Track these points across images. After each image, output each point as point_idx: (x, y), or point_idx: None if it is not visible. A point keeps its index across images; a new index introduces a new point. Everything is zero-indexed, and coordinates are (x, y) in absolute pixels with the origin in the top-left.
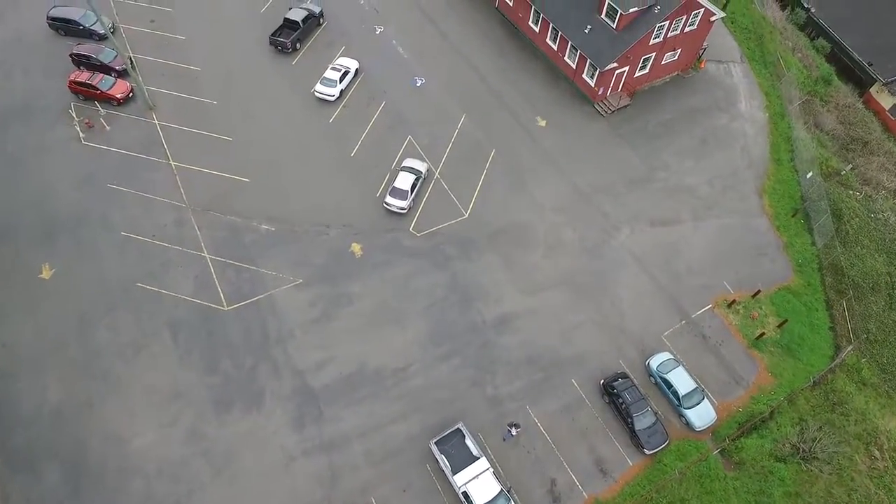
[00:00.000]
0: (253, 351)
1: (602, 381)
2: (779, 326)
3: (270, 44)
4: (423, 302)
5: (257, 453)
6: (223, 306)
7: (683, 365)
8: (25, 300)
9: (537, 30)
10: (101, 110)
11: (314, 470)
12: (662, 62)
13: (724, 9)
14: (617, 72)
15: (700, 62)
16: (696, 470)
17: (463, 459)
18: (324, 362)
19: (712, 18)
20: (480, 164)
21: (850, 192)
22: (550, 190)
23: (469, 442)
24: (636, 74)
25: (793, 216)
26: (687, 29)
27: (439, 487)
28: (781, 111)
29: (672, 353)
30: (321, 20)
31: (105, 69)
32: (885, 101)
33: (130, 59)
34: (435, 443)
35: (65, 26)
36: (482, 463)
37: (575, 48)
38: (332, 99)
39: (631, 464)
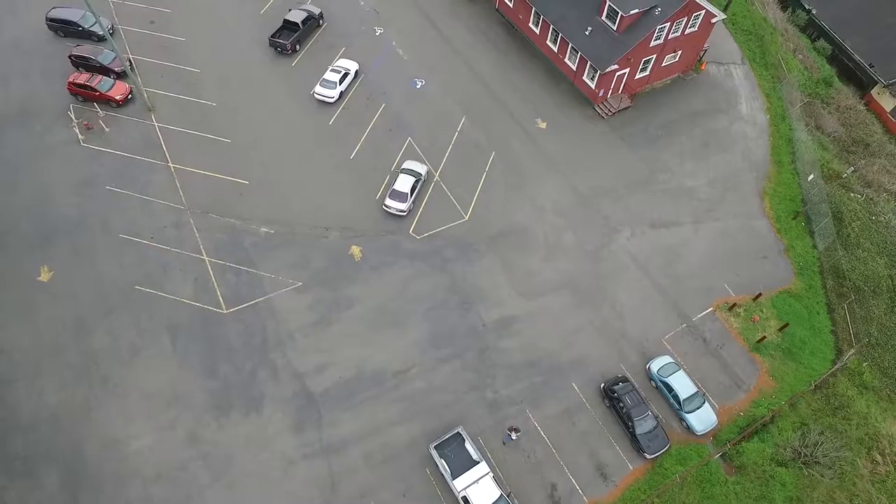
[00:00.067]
0: (252, 354)
1: (602, 385)
2: (780, 330)
3: (270, 45)
4: (422, 305)
5: (256, 457)
6: (222, 309)
7: (684, 369)
8: (23, 303)
9: (538, 31)
10: (100, 112)
11: (314, 474)
12: (663, 64)
13: (724, 10)
14: (617, 74)
15: (701, 64)
16: (696, 474)
17: (462, 464)
18: (323, 366)
19: (713, 20)
20: (480, 166)
21: (852, 194)
22: (551, 192)
23: (469, 446)
24: (637, 76)
25: (794, 219)
26: (688, 31)
27: (439, 492)
28: (782, 113)
29: (673, 356)
30: (321, 22)
31: (104, 71)
32: (887, 102)
33: (129, 60)
34: (434, 447)
35: (64, 27)
36: (482, 467)
37: (575, 50)
38: (332, 101)
39: (631, 468)
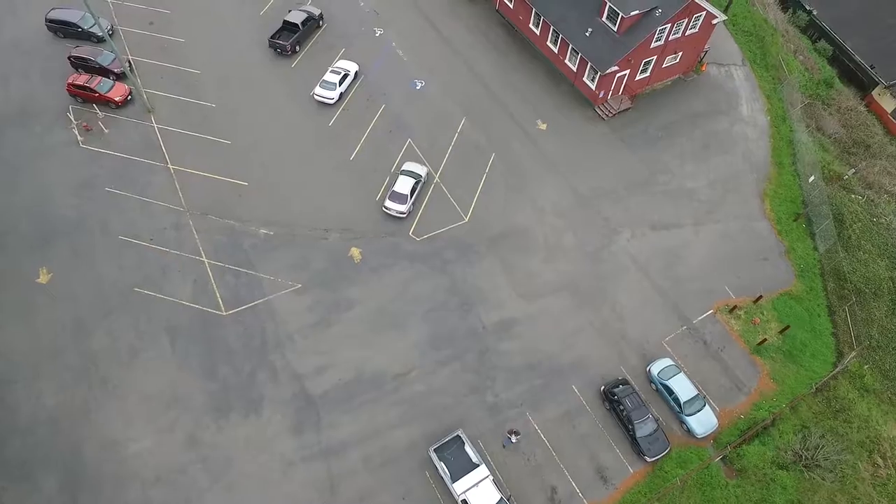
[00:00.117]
0: (251, 356)
1: (602, 388)
2: (780, 332)
3: (270, 46)
4: (422, 307)
5: (255, 459)
6: (221, 311)
7: (685, 371)
8: (22, 304)
9: (538, 32)
10: (100, 113)
11: (313, 477)
12: (664, 65)
13: (725, 11)
14: (618, 75)
15: (701, 65)
16: (697, 478)
17: (462, 467)
18: (323, 368)
19: (714, 21)
20: (480, 167)
21: (853, 196)
22: (551, 194)
23: (469, 449)
24: (637, 78)
25: (794, 220)
26: (688, 32)
27: (438, 495)
28: (783, 114)
29: (673, 359)
30: (321, 23)
31: (103, 72)
32: (888, 103)
33: (129, 61)
34: (434, 450)
35: (63, 28)
36: (482, 470)
37: (576, 51)
38: (332, 102)
39: (632, 471)
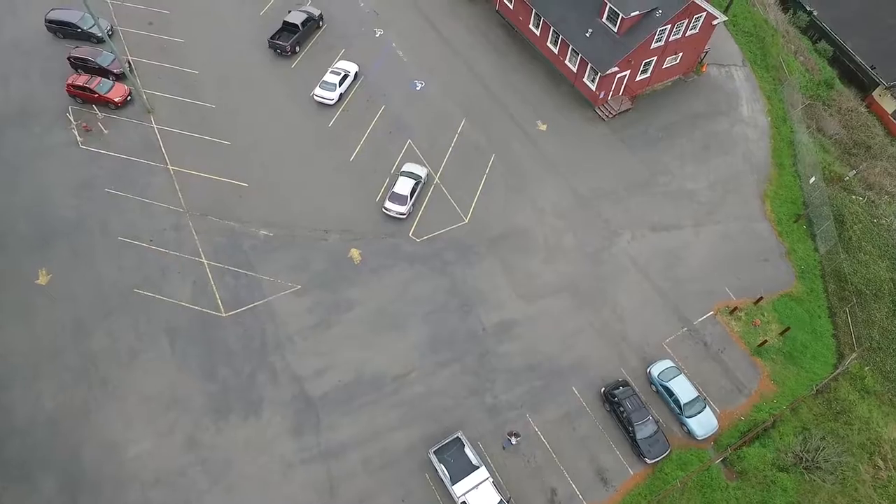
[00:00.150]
0: (251, 358)
1: (603, 389)
2: (781, 334)
3: (269, 47)
4: (422, 308)
5: (255, 461)
6: (221, 312)
7: (685, 373)
8: (21, 305)
9: (538, 33)
10: (99, 114)
11: (312, 478)
12: (664, 66)
13: (725, 12)
14: (618, 76)
15: (702, 66)
16: (697, 480)
17: (462, 469)
18: (322, 369)
19: (714, 22)
20: (480, 168)
21: (853, 197)
22: (551, 195)
23: (468, 451)
24: (637, 78)
25: (795, 222)
26: (689, 32)
27: (438, 497)
28: (784, 115)
29: (673, 360)
30: (321, 23)
31: (103, 72)
32: (888, 104)
33: (129, 62)
34: (434, 452)
35: (63, 29)
36: (482, 472)
37: (576, 52)
38: (332, 103)
39: (632, 473)
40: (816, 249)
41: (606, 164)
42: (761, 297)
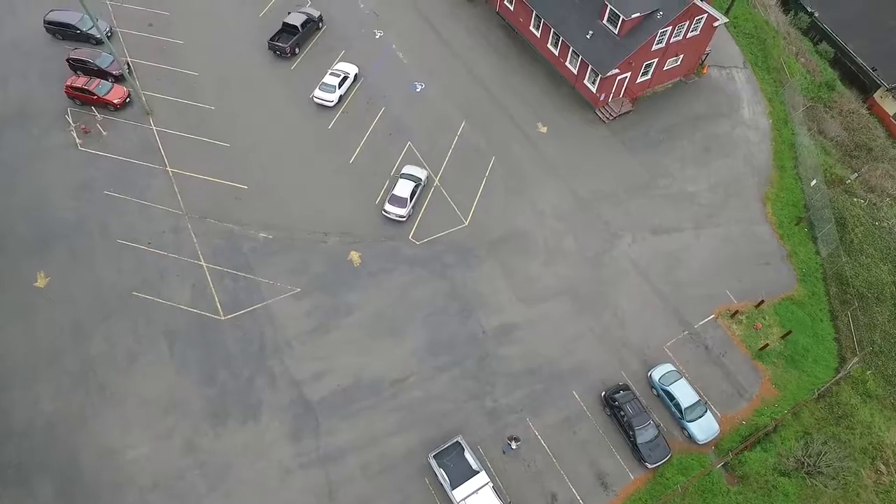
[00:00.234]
0: (250, 361)
1: (603, 393)
2: (782, 337)
3: (269, 48)
4: (422, 312)
5: (253, 466)
6: (220, 316)
7: (686, 377)
8: (19, 308)
9: (538, 34)
10: (98, 115)
11: (311, 483)
12: (665, 68)
13: (726, 14)
14: (619, 78)
15: (703, 68)
16: (698, 484)
17: (462, 473)
18: (321, 373)
19: (715, 24)
20: (480, 170)
21: (855, 199)
22: (551, 197)
23: (468, 455)
24: (638, 80)
25: (796, 224)
26: (689, 34)
27: (438, 502)
28: (785, 117)
29: (674, 364)
30: (320, 24)
31: (102, 74)
32: (890, 106)
33: (128, 63)
34: (433, 456)
35: (62, 30)
36: (482, 477)
37: (576, 53)
38: (331, 104)
39: (632, 478)
40: (818, 252)
41: (607, 167)
42: (762, 301)
